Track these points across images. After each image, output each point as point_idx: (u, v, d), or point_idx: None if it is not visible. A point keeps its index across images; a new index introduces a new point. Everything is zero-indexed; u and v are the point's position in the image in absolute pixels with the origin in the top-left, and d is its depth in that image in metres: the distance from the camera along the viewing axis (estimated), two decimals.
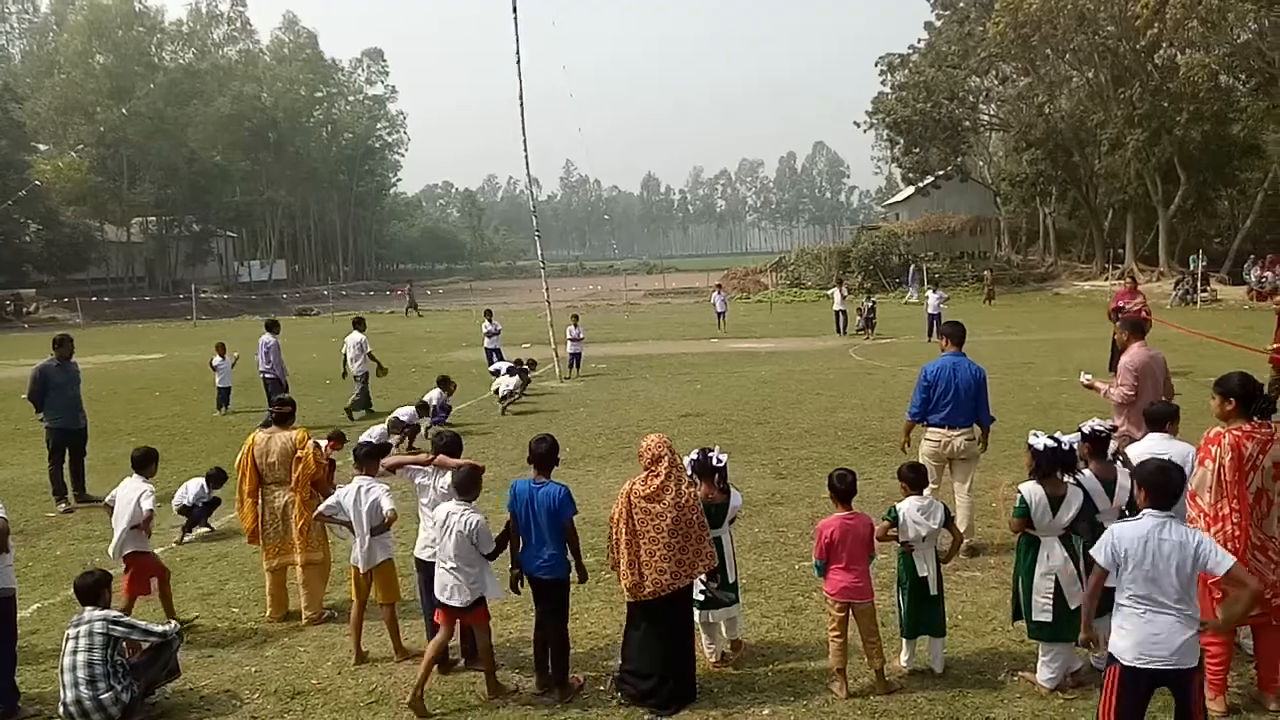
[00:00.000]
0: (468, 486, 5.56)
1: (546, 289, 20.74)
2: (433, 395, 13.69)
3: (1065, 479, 5.27)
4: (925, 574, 5.50)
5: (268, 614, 6.89)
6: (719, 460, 5.73)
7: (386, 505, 6.03)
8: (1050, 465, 5.24)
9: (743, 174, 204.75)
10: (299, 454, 6.77)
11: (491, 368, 18.00)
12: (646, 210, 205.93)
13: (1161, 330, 18.92)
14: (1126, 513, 5.49)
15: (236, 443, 13.46)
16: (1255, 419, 4.97)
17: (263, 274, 78.10)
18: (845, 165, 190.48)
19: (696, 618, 5.64)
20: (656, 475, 5.30)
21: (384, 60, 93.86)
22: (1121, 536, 3.99)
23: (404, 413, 12.67)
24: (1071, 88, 46.67)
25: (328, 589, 7.05)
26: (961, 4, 53.01)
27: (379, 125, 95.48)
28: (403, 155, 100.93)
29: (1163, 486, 4.03)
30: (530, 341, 25.88)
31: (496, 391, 15.60)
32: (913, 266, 46.23)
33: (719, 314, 31.32)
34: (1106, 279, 42.65)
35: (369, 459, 6.32)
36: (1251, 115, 40.11)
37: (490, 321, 20.59)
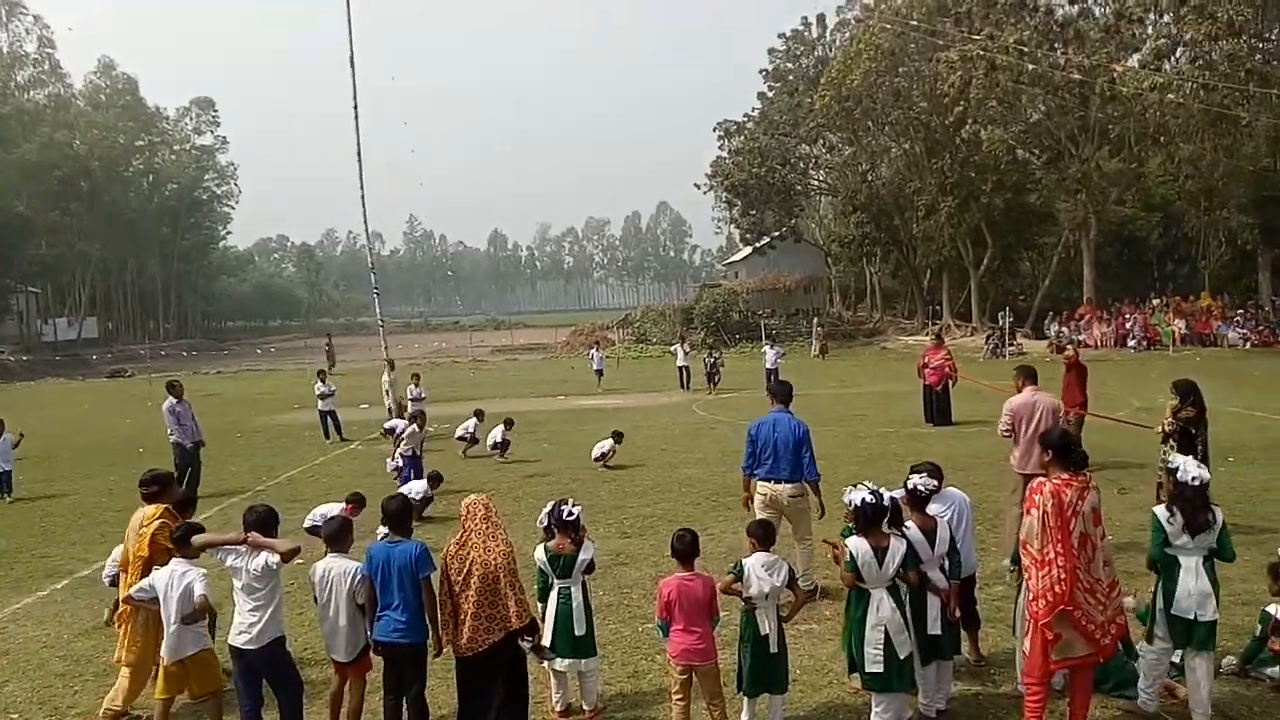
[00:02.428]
0: (338, 537, 5.63)
1: (385, 347, 20.11)
2: (415, 488, 11.98)
3: (887, 530, 5.44)
4: (767, 632, 5.52)
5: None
6: (570, 514, 5.85)
7: (198, 590, 5.52)
8: (868, 520, 5.38)
9: (589, 232, 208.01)
10: (141, 530, 6.15)
11: (459, 432, 17.05)
12: (494, 266, 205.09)
13: (968, 384, 20.33)
14: (946, 561, 5.77)
15: (26, 526, 12.22)
16: (1072, 469, 5.30)
17: (71, 332, 71.85)
18: (688, 225, 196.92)
19: (547, 665, 5.75)
20: (466, 533, 5.42)
21: (214, 109, 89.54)
22: None
23: (418, 487, 11.75)
24: (891, 157, 50.37)
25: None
26: (790, 77, 56.54)
27: (207, 176, 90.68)
28: (233, 207, 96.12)
29: None
30: (369, 402, 24.91)
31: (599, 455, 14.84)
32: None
33: (596, 371, 30.30)
34: (927, 334, 45.67)
35: (184, 540, 5.75)
36: (1045, 186, 44.49)
37: (324, 383, 19.65)
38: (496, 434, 16.13)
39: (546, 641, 5.74)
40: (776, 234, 57.54)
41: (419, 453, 13.71)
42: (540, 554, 5.89)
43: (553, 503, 6.04)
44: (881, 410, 20.85)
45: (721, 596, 5.55)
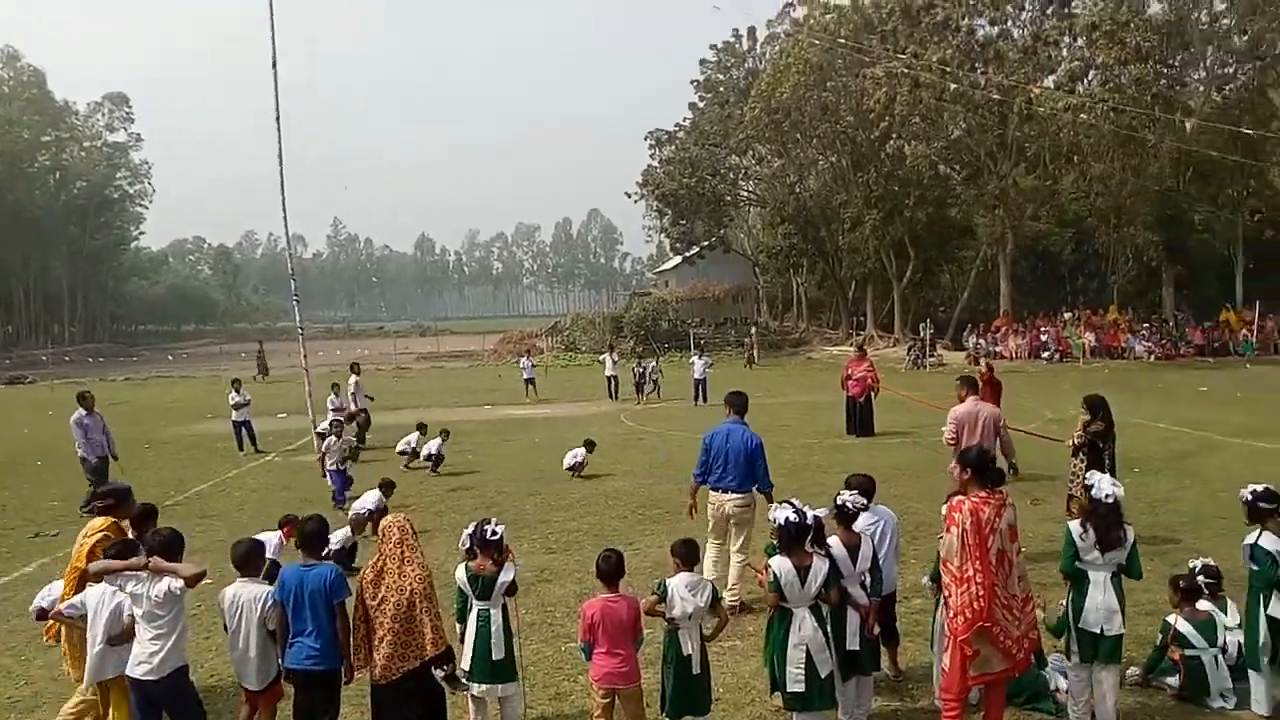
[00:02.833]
0: (248, 562, 5.47)
1: (304, 355, 19.46)
2: (369, 498, 11.26)
3: (810, 549, 5.44)
4: (689, 653, 5.46)
5: None
6: (494, 533, 5.66)
7: (128, 611, 5.30)
8: (792, 539, 5.38)
9: (519, 237, 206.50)
10: (83, 540, 5.90)
11: (399, 447, 16.46)
12: (420, 271, 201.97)
13: (890, 395, 20.76)
14: (867, 577, 5.81)
15: None
16: (989, 487, 5.39)
17: None
18: (619, 232, 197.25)
19: (472, 691, 5.56)
20: (381, 558, 5.32)
21: (128, 105, 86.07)
22: None
23: (371, 498, 11.14)
24: (818, 170, 51.28)
25: None
26: (721, 88, 57.17)
27: (119, 174, 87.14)
28: (146, 207, 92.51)
29: None
30: (286, 411, 24.22)
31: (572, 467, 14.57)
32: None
33: (527, 380, 29.13)
34: (851, 344, 46.56)
35: (119, 558, 5.48)
36: (965, 201, 45.89)
37: (238, 392, 18.98)
38: (432, 446, 15.79)
39: (466, 664, 5.59)
40: (706, 244, 58.08)
41: (342, 466, 13.32)
42: (461, 574, 5.71)
43: (475, 522, 5.88)
44: (806, 421, 21.08)
45: (645, 616, 5.50)
